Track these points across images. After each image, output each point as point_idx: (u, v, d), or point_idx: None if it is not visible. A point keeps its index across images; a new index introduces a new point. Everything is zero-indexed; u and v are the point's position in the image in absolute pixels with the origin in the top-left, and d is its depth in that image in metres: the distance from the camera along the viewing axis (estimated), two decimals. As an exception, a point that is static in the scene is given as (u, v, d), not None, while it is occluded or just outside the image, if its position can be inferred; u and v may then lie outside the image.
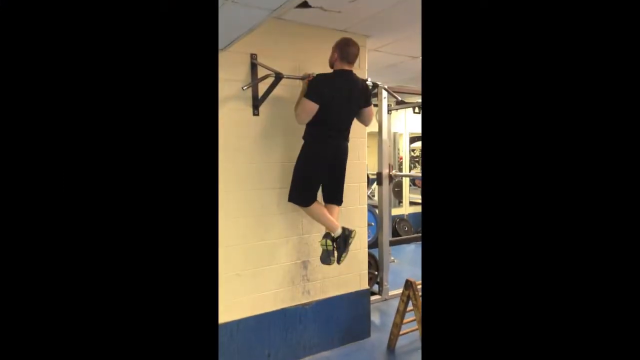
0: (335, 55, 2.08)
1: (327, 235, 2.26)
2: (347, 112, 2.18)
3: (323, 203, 2.30)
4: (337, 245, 2.22)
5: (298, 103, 2.18)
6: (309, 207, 2.22)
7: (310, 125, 2.16)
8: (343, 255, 2.23)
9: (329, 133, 2.15)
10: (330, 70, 2.17)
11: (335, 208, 2.31)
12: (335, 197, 2.29)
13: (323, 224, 2.28)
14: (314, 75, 2.19)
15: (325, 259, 2.24)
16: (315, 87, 2.05)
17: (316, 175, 2.20)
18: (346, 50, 2.04)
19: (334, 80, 2.09)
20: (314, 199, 2.22)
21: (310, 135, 2.18)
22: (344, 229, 2.23)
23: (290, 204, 2.37)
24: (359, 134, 2.59)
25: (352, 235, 2.23)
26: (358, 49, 2.08)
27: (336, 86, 2.07)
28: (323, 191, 2.29)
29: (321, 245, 2.26)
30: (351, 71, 2.11)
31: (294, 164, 2.41)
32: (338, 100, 2.09)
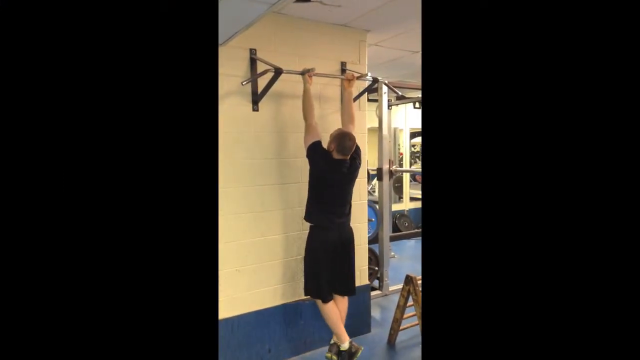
0: (333, 146, 2.15)
1: (332, 348, 2.26)
2: (344, 188, 2.23)
3: (334, 295, 2.28)
4: (342, 357, 2.23)
5: (305, 100, 2.19)
6: (325, 306, 2.22)
7: (312, 204, 2.22)
8: None
9: (330, 213, 2.19)
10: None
11: (343, 300, 2.31)
12: (346, 286, 2.29)
13: (333, 330, 2.27)
14: (314, 70, 2.18)
15: None
16: (315, 153, 2.15)
17: (325, 263, 2.21)
18: (342, 144, 2.12)
19: (331, 162, 2.15)
20: (329, 294, 2.22)
21: (313, 218, 2.22)
22: (351, 344, 2.23)
23: (290, 199, 2.37)
24: (359, 130, 2.58)
25: (358, 354, 2.24)
26: (354, 142, 2.17)
27: (332, 167, 2.15)
28: (334, 281, 2.26)
29: (326, 356, 2.28)
30: (346, 161, 2.18)
31: (293, 160, 2.41)
32: (334, 178, 2.16)
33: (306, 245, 2.26)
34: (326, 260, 2.21)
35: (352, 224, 2.34)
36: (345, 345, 2.23)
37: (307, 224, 2.31)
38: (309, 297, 2.34)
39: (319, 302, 2.25)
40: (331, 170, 2.15)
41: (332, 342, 2.29)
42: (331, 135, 2.19)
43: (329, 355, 2.27)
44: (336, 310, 2.26)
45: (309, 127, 2.18)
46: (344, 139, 2.13)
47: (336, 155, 2.14)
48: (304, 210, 2.28)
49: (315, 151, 2.15)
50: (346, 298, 2.33)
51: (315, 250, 2.21)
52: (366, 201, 2.79)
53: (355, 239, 2.39)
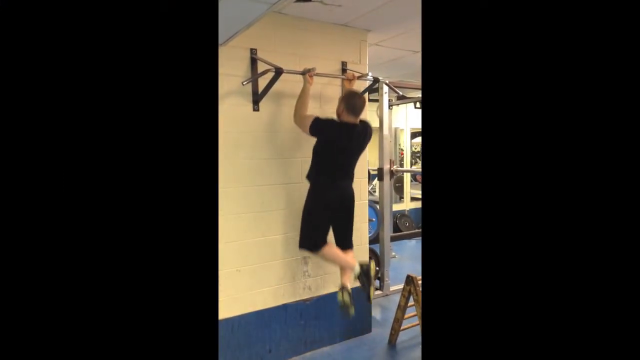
0: (342, 107, 2.10)
1: (342, 289, 2.24)
2: (351, 155, 2.21)
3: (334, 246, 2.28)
4: (362, 283, 2.21)
5: (300, 99, 2.18)
6: (320, 252, 2.20)
7: (315, 167, 2.18)
8: (371, 289, 2.22)
9: (334, 176, 2.16)
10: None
11: (349, 252, 2.31)
12: (346, 241, 2.29)
13: (339, 264, 2.26)
14: (315, 70, 2.18)
15: (345, 312, 2.23)
16: (320, 125, 2.08)
17: (323, 220, 2.20)
18: (352, 103, 2.08)
19: (339, 128, 2.11)
20: (324, 241, 2.21)
21: (315, 178, 2.19)
22: (361, 265, 2.21)
23: (290, 199, 2.37)
24: (359, 129, 2.57)
25: (371, 267, 2.22)
26: (364, 102, 2.11)
27: (341, 133, 2.10)
28: (335, 237, 2.28)
29: (339, 300, 2.26)
30: (357, 124, 2.13)
31: (294, 160, 2.41)
32: (343, 146, 2.12)
33: (306, 201, 2.22)
34: (325, 216, 2.19)
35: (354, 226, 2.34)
36: (356, 270, 2.19)
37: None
38: (309, 297, 2.34)
39: (316, 253, 2.23)
40: (340, 135, 2.08)
41: (340, 284, 2.27)
42: (340, 97, 2.13)
43: (340, 295, 2.23)
44: (333, 248, 2.23)
45: (302, 116, 2.15)
46: (353, 98, 2.07)
47: (345, 117, 2.08)
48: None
49: (319, 123, 2.07)
50: (350, 251, 2.31)
51: (314, 207, 2.18)
52: (367, 201, 2.78)
53: (357, 239, 2.39)
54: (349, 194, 2.23)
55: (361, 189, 2.71)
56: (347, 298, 2.21)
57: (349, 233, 2.29)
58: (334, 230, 2.27)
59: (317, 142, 2.16)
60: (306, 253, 2.34)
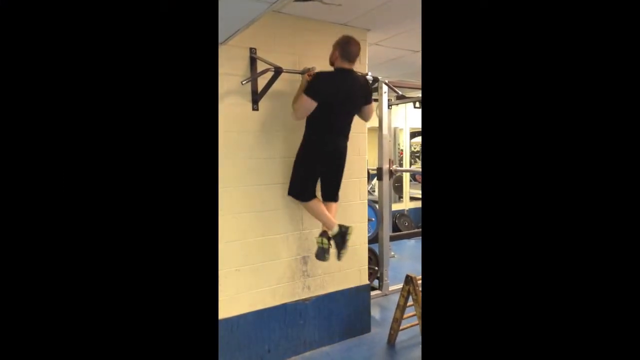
0: (336, 53, 2.07)
1: (323, 234, 2.27)
2: (347, 110, 2.18)
3: (321, 200, 2.30)
4: (336, 242, 2.24)
5: (296, 98, 2.17)
6: (307, 203, 2.24)
7: (310, 123, 2.16)
8: (342, 252, 2.26)
9: (329, 130, 2.15)
10: (330, 68, 2.15)
11: (333, 205, 2.33)
12: (332, 194, 2.31)
13: (321, 220, 2.29)
14: (314, 69, 2.17)
15: (321, 256, 2.27)
16: (314, 84, 2.04)
17: (314, 170, 2.22)
18: (347, 48, 2.02)
19: (334, 79, 2.07)
20: (313, 195, 2.24)
21: (310, 132, 2.18)
22: (340, 226, 2.23)
23: (290, 198, 2.36)
24: (359, 129, 2.57)
25: (349, 232, 2.24)
26: (359, 48, 2.06)
27: (336, 85, 2.06)
28: (321, 188, 2.30)
29: (317, 242, 2.28)
30: (351, 70, 2.09)
31: (294, 159, 2.40)
32: (338, 99, 2.08)
33: (298, 151, 2.22)
34: (316, 169, 2.20)
35: (352, 224, 2.33)
36: (334, 230, 2.22)
37: (308, 224, 2.30)
38: (308, 296, 2.33)
39: (302, 203, 2.26)
40: (336, 83, 2.01)
41: (320, 232, 2.30)
42: (334, 43, 2.07)
43: (318, 239, 2.26)
44: (320, 203, 2.25)
45: (297, 105, 2.12)
46: (347, 43, 2.01)
47: (339, 63, 2.04)
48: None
49: (313, 83, 2.01)
50: (334, 204, 2.33)
51: (306, 158, 2.19)
52: (366, 201, 2.78)
53: (356, 239, 2.39)
54: (341, 147, 2.21)
55: (360, 188, 2.71)
56: (325, 243, 2.23)
57: (336, 186, 2.30)
58: (321, 182, 2.28)
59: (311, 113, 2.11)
60: (302, 250, 2.34)
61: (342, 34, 2.50)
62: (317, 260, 2.34)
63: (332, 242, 2.25)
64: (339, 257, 2.27)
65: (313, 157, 2.19)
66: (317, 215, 2.28)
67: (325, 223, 2.27)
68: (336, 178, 2.28)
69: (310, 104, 2.03)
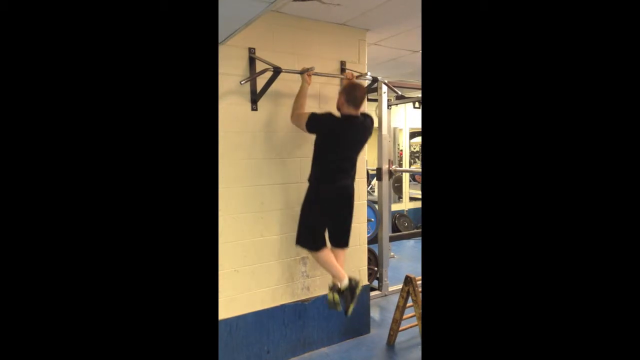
0: (342, 99, 2.09)
1: (333, 288, 2.23)
2: (352, 151, 2.18)
3: (330, 246, 2.26)
4: (345, 296, 2.19)
5: (297, 98, 2.17)
6: (318, 253, 2.19)
7: (316, 165, 2.16)
8: (351, 306, 2.22)
9: (334, 173, 2.14)
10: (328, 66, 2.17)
11: (342, 252, 2.30)
12: (341, 240, 2.28)
13: (330, 272, 2.25)
14: (313, 69, 2.17)
15: (332, 307, 2.24)
16: (317, 120, 2.07)
17: (323, 216, 2.19)
18: (352, 94, 2.05)
19: (338, 122, 2.09)
20: (323, 243, 2.20)
21: (315, 176, 2.17)
22: (350, 280, 2.20)
23: (289, 199, 2.36)
24: (358, 129, 2.56)
25: (359, 286, 2.22)
26: (364, 93, 2.09)
27: (341, 127, 2.08)
28: (329, 234, 2.26)
29: (329, 297, 2.25)
30: (358, 116, 2.11)
31: (293, 159, 2.39)
32: (343, 141, 2.10)
33: (304, 198, 2.20)
34: (323, 215, 2.18)
35: (353, 224, 2.33)
36: (344, 283, 2.19)
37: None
38: (308, 297, 2.33)
39: (311, 252, 2.22)
40: (340, 127, 2.06)
41: (331, 284, 2.26)
42: (340, 90, 2.11)
43: (329, 294, 2.23)
44: (330, 253, 2.22)
45: (298, 114, 2.14)
46: (353, 89, 2.05)
47: (346, 109, 2.07)
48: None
49: (316, 118, 2.06)
50: (343, 250, 2.31)
51: (313, 205, 2.16)
52: (365, 201, 2.77)
53: (355, 239, 2.38)
54: (348, 193, 2.20)
55: (360, 189, 2.70)
56: (337, 298, 2.21)
57: (346, 231, 2.28)
58: (329, 228, 2.25)
59: (316, 137, 2.14)
60: (302, 251, 2.33)
61: (341, 33, 2.52)
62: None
63: (342, 296, 2.20)
64: (346, 312, 2.21)
65: (320, 205, 2.16)
66: (327, 267, 2.22)
67: (335, 275, 2.21)
68: (346, 224, 2.26)
69: (303, 126, 2.09)
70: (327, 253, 2.20)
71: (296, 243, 2.24)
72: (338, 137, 2.08)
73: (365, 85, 2.62)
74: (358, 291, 2.21)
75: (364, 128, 2.16)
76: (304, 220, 2.20)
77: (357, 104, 2.06)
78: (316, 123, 2.07)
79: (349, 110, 2.07)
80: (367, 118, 2.18)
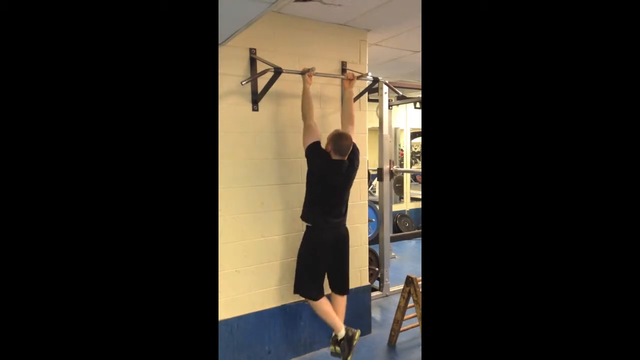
0: (330, 147, 2.15)
1: (334, 340, 2.27)
2: (342, 190, 2.23)
3: (331, 292, 2.30)
4: (342, 347, 2.23)
5: (304, 101, 2.18)
6: (316, 303, 2.22)
7: (308, 202, 2.20)
8: (349, 357, 2.25)
9: (327, 213, 2.18)
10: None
11: (342, 299, 2.32)
12: (341, 286, 2.31)
13: (328, 323, 2.27)
14: (314, 70, 2.17)
15: (335, 356, 2.29)
16: (316, 153, 2.14)
17: (320, 263, 2.22)
18: (339, 143, 2.13)
19: (329, 163, 2.15)
20: (322, 293, 2.23)
21: (309, 219, 2.21)
22: (346, 330, 2.23)
23: (290, 200, 2.36)
24: (360, 130, 2.57)
25: (356, 337, 2.25)
26: (350, 142, 2.17)
27: (332, 170, 2.15)
28: (329, 280, 2.29)
29: (331, 350, 2.30)
30: (344, 161, 2.18)
31: (293, 160, 2.40)
32: (332, 179, 2.15)
33: (301, 244, 2.25)
34: (320, 261, 2.21)
35: (352, 225, 2.33)
36: (341, 333, 2.23)
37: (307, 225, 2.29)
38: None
39: (309, 300, 2.25)
40: (329, 171, 2.15)
41: (332, 335, 2.29)
42: (328, 137, 2.20)
43: (332, 347, 2.28)
44: (328, 303, 2.26)
45: (307, 127, 2.18)
46: (340, 139, 2.13)
47: (334, 156, 2.15)
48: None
49: (313, 151, 2.14)
50: (344, 298, 2.33)
51: (309, 251, 2.21)
52: (366, 201, 2.77)
53: (356, 239, 2.38)
54: (342, 234, 2.27)
55: (361, 189, 2.70)
56: (338, 349, 2.25)
57: (344, 278, 2.32)
58: (328, 275, 2.28)
59: (309, 170, 2.19)
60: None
61: (342, 34, 2.52)
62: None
63: (339, 346, 2.23)
64: None
65: (316, 251, 2.19)
66: (324, 317, 2.26)
67: (333, 326, 2.25)
68: (342, 269, 2.29)
69: (305, 146, 2.16)
70: (326, 303, 2.25)
71: (294, 291, 2.28)
72: (327, 178, 2.15)
73: (366, 85, 2.63)
74: (355, 342, 2.24)
75: (352, 169, 2.23)
76: (301, 267, 2.24)
77: (344, 152, 2.14)
78: (313, 156, 2.14)
79: (337, 157, 2.14)
80: (353, 161, 2.23)
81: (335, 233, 2.22)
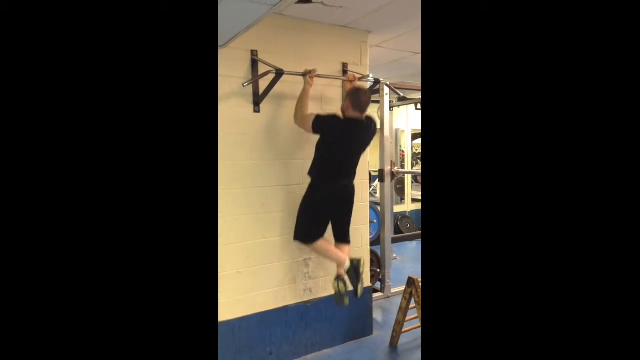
0: (348, 103, 2.11)
1: (337, 277, 2.26)
2: (354, 153, 2.21)
3: (329, 240, 2.29)
4: (350, 278, 2.23)
5: (300, 100, 2.18)
6: (314, 244, 2.21)
7: (317, 164, 2.18)
8: (359, 286, 2.24)
9: (335, 175, 2.17)
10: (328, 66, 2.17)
11: (346, 248, 2.32)
12: (343, 236, 2.31)
13: (331, 259, 2.27)
14: (316, 71, 2.17)
15: (340, 301, 2.25)
16: (322, 121, 2.09)
17: (320, 215, 2.21)
18: (358, 99, 2.08)
19: (343, 125, 2.11)
20: (319, 235, 2.22)
21: (316, 176, 2.19)
22: (352, 260, 2.23)
23: (291, 201, 2.36)
24: (360, 131, 2.57)
25: (362, 264, 2.24)
26: (369, 98, 2.12)
27: (345, 130, 2.11)
28: (333, 230, 2.30)
29: (334, 288, 2.27)
30: (361, 120, 2.13)
31: (295, 161, 2.40)
32: (346, 143, 2.13)
33: (305, 194, 2.22)
34: (323, 213, 2.20)
35: (353, 226, 2.33)
36: (347, 265, 2.22)
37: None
38: (310, 299, 2.33)
39: (309, 245, 2.23)
40: (344, 129, 2.09)
41: (335, 276, 2.28)
42: (346, 92, 2.15)
43: (334, 284, 2.25)
44: (326, 243, 2.24)
45: (302, 116, 2.15)
46: (358, 94, 2.09)
47: (351, 113, 2.09)
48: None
49: (322, 120, 2.09)
50: (347, 246, 2.32)
51: (312, 202, 2.19)
52: (368, 203, 2.77)
53: (357, 241, 2.37)
54: (348, 191, 2.24)
55: (362, 190, 2.70)
56: (342, 287, 2.23)
57: (346, 228, 2.31)
58: (332, 225, 2.28)
59: (319, 139, 2.16)
60: (304, 252, 2.33)
61: (343, 35, 2.53)
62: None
63: (347, 280, 2.23)
64: (356, 293, 2.24)
65: (322, 202, 2.18)
66: (327, 255, 2.26)
67: (336, 260, 2.25)
68: (344, 221, 2.29)
69: (309, 127, 2.11)
70: (323, 242, 2.23)
71: (294, 238, 2.27)
72: (341, 139, 2.11)
73: (368, 87, 2.63)
74: (362, 269, 2.22)
75: (368, 131, 2.19)
76: (304, 217, 2.23)
77: (362, 108, 2.09)
78: (321, 124, 2.09)
79: (354, 114, 2.10)
80: (372, 123, 2.21)
81: (340, 190, 2.20)
